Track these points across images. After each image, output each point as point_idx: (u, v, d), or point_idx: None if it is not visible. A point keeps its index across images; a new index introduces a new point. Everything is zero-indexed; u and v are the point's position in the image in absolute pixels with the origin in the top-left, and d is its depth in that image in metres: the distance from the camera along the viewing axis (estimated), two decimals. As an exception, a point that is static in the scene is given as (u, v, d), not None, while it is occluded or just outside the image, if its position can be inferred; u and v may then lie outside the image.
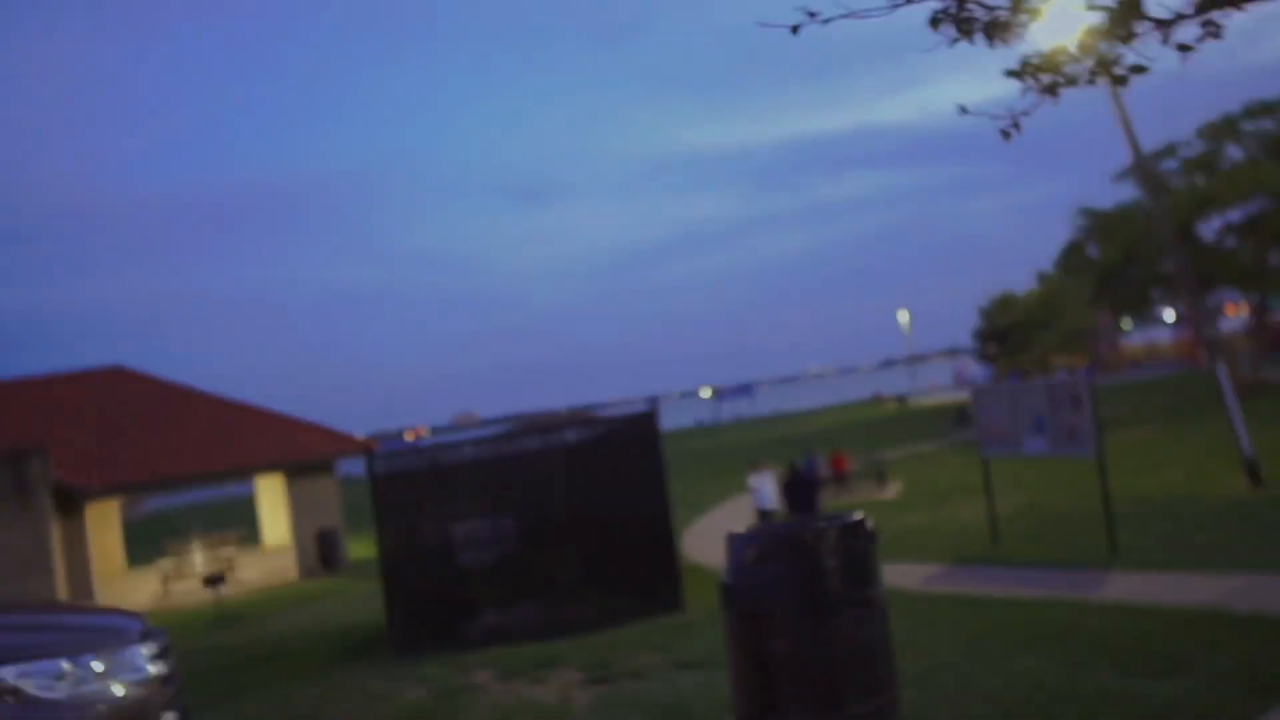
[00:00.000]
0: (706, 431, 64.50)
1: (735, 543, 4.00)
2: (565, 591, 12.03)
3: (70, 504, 20.89)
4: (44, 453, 19.57)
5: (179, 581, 22.72)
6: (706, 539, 18.24)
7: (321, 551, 22.05)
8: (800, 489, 15.81)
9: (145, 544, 29.48)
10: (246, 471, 23.34)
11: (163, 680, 3.91)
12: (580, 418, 20.66)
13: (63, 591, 19.87)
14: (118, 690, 3.68)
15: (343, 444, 23.16)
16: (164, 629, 4.52)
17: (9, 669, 3.46)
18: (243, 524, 29.73)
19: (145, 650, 3.92)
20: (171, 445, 23.14)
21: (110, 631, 3.93)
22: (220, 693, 9.48)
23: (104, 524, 28.45)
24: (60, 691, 3.51)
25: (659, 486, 11.54)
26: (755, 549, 3.81)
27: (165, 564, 23.69)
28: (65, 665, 3.58)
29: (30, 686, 3.46)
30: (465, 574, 11.93)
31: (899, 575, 11.70)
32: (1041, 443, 11.23)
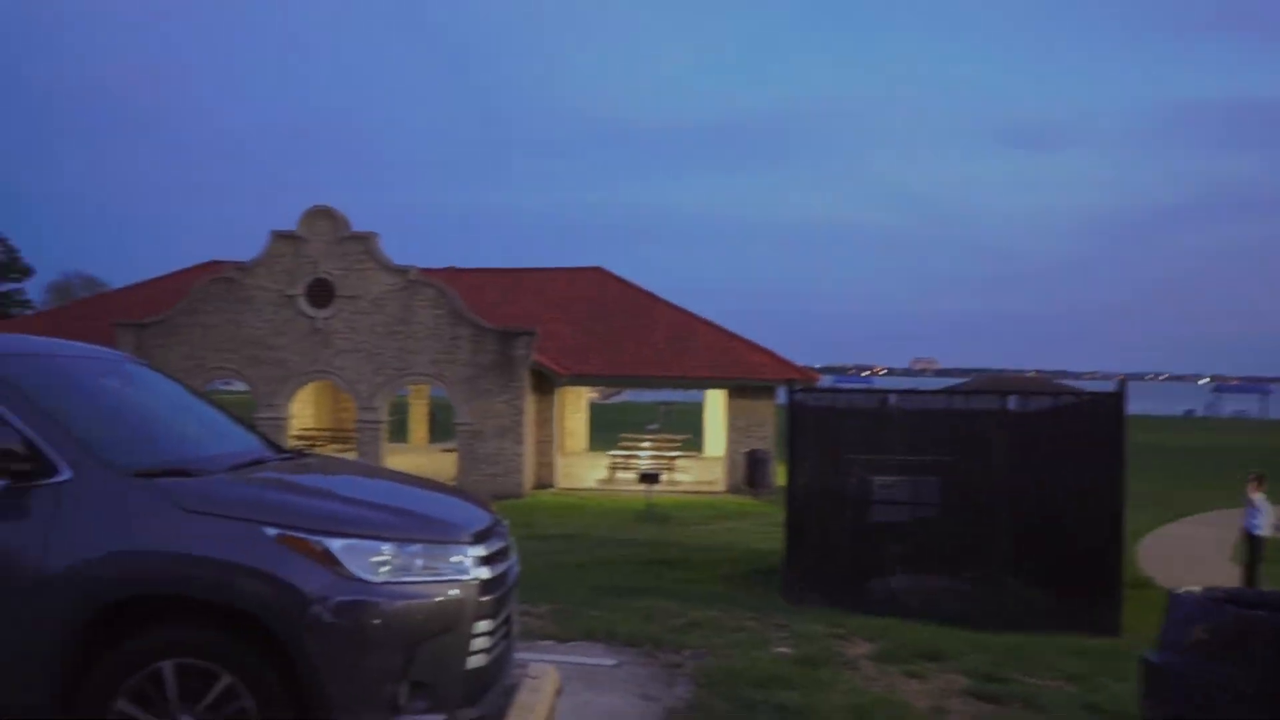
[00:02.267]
0: (1196, 425, 55.61)
1: (1177, 607, 2.75)
2: (980, 573, 10.77)
3: (545, 384, 23.41)
4: (530, 336, 22.02)
5: (625, 471, 24.58)
6: (1168, 552, 15.43)
7: (750, 471, 22.47)
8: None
9: (609, 430, 32.50)
10: (695, 382, 24.41)
11: (484, 585, 3.69)
12: (1043, 385, 18.48)
13: (529, 459, 22.47)
14: (432, 588, 3.52)
15: (787, 370, 23.20)
16: (505, 529, 4.35)
17: (336, 540, 3.41)
18: (690, 430, 31.53)
19: (474, 552, 3.72)
20: (635, 346, 24.89)
21: (448, 525, 3.80)
22: (603, 586, 9.84)
23: (575, 406, 31.84)
24: (377, 576, 3.41)
25: (1114, 480, 9.71)
26: (1206, 628, 2.54)
27: (616, 453, 25.80)
28: (386, 550, 3.48)
29: (350, 562, 3.38)
30: (874, 530, 11.16)
31: None
32: None
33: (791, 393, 11.00)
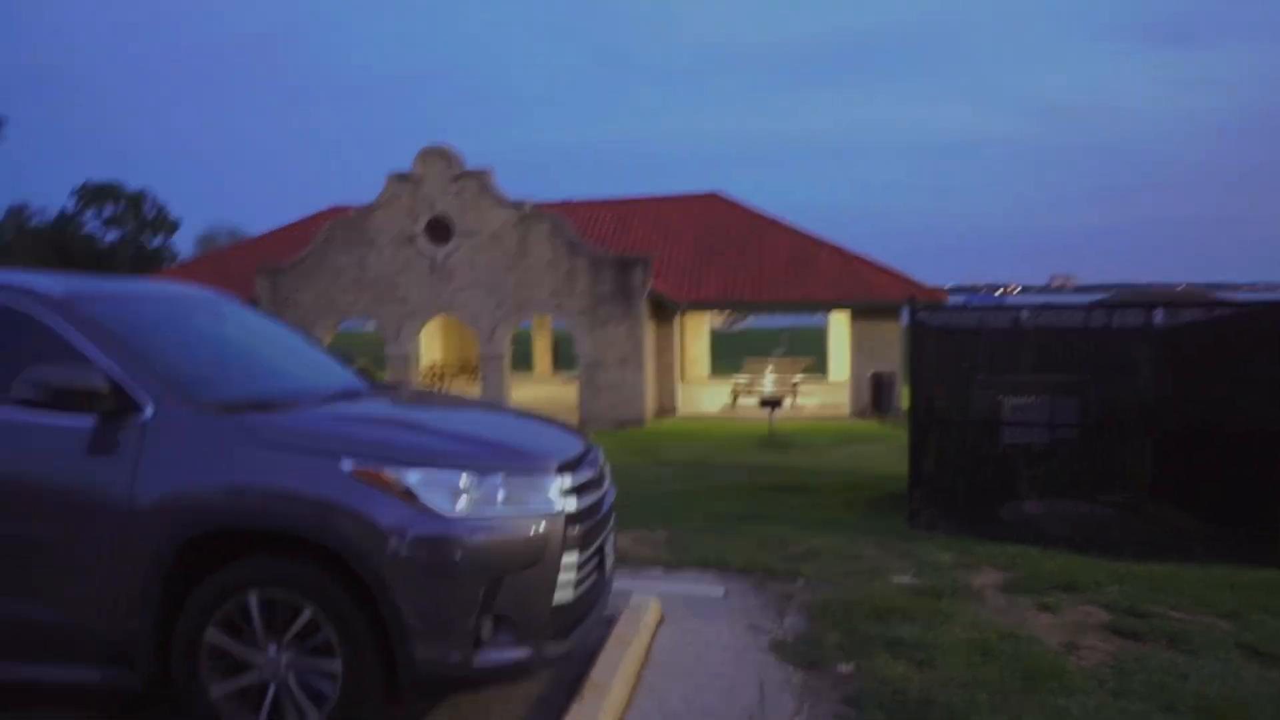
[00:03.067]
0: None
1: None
2: (1123, 498, 10.10)
3: (664, 312, 23.23)
4: (646, 264, 21.80)
5: (747, 396, 24.31)
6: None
7: (875, 394, 21.85)
8: None
9: (733, 358, 32.23)
10: (816, 305, 23.76)
11: (571, 518, 3.53)
12: (1194, 298, 17.18)
13: (650, 387, 22.43)
14: (515, 521, 3.38)
15: (912, 290, 22.31)
16: (598, 457, 4.17)
17: (414, 472, 3.29)
18: (814, 354, 30.94)
19: (560, 483, 3.56)
20: (754, 271, 24.37)
21: (532, 455, 3.64)
22: (721, 513, 9.68)
23: (696, 334, 31.62)
24: (455, 508, 3.29)
25: (1275, 397, 8.83)
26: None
27: (738, 379, 25.53)
28: (464, 481, 3.34)
29: (427, 495, 3.27)
30: (1006, 454, 10.58)
31: None
32: None
33: (913, 311, 10.43)
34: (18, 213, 41.60)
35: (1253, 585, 6.30)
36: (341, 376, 4.73)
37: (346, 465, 3.29)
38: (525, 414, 4.70)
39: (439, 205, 22.82)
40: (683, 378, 29.28)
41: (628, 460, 16.08)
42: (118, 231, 49.67)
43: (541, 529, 3.43)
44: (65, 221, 47.72)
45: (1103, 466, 10.34)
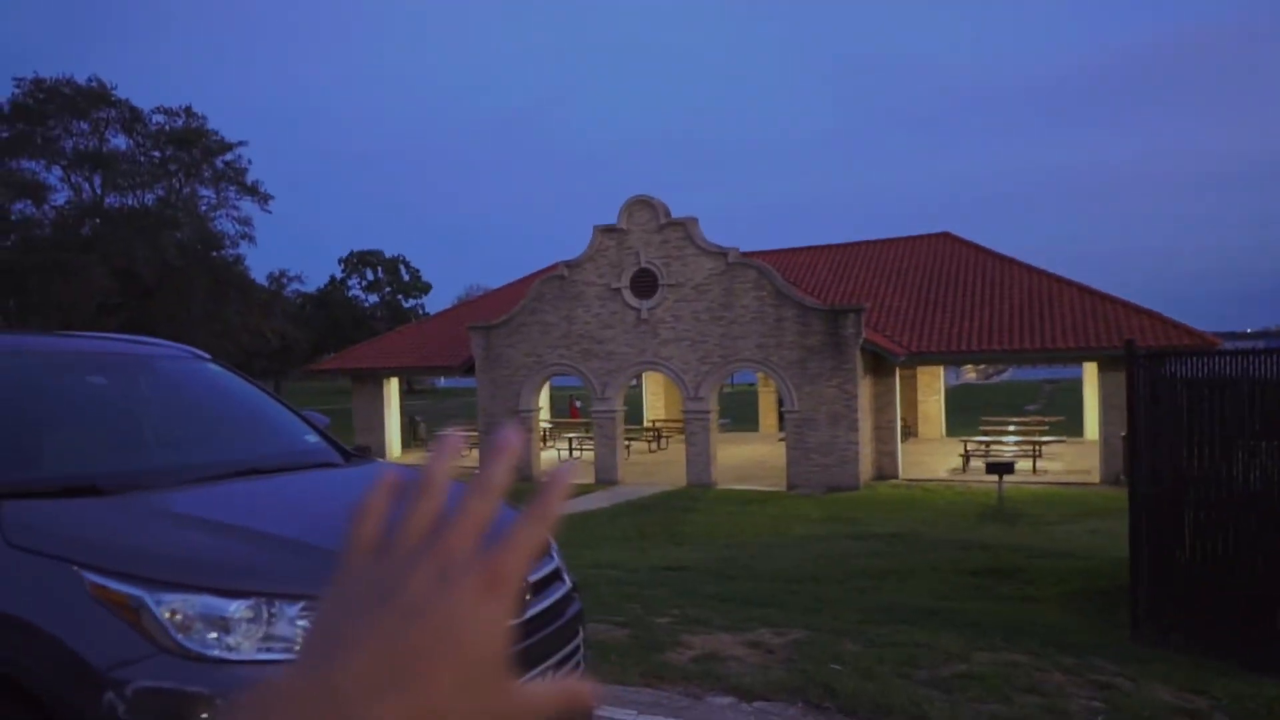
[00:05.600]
0: None
1: None
2: None
3: (882, 365, 21.31)
4: (858, 312, 20.09)
5: (983, 458, 21.75)
6: None
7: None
8: None
9: (981, 412, 29.34)
10: (1055, 354, 20.90)
11: None
12: None
13: (866, 447, 20.51)
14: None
15: (1176, 334, 19.08)
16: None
17: (164, 594, 2.27)
18: (1070, 411, 27.54)
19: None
20: (985, 317, 21.92)
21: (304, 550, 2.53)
22: (894, 605, 7.82)
23: (930, 387, 29.12)
24: (216, 646, 2.23)
25: None
26: None
27: (975, 438, 22.97)
28: (236, 609, 2.28)
29: (177, 626, 2.23)
30: (1262, 540, 8.14)
31: None
32: None
33: (1133, 358, 8.33)
34: (276, 279, 46.08)
35: None
36: (287, 444, 3.83)
37: (90, 578, 2.32)
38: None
39: (644, 257, 22.32)
40: (913, 436, 26.90)
41: (822, 532, 14.44)
42: (377, 295, 53.95)
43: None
44: (334, 286, 52.47)
45: None
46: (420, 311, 54.45)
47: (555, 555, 3.26)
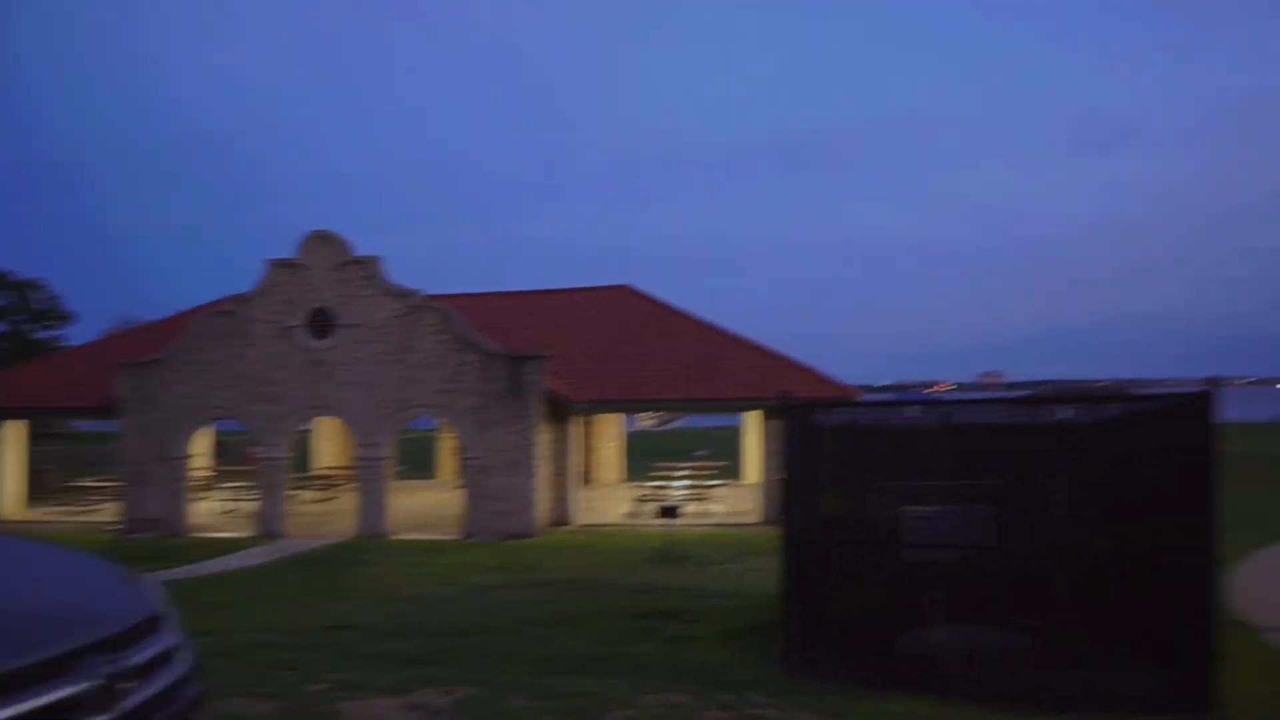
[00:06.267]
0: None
1: None
2: (1044, 622, 8.56)
3: (561, 412, 21.60)
4: (539, 360, 20.27)
5: (655, 503, 22.61)
6: (1268, 584, 12.85)
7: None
8: None
9: (656, 458, 30.49)
10: (723, 404, 22.37)
11: None
12: (1115, 392, 16.21)
13: (542, 494, 20.62)
14: None
15: (826, 388, 21.08)
16: (167, 632, 2.52)
17: None
18: (732, 455, 29.46)
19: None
20: (659, 367, 22.98)
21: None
22: (562, 654, 7.71)
23: (607, 435, 30.00)
24: None
25: (1201, 500, 7.45)
26: None
27: (647, 484, 23.87)
28: None
29: None
30: (907, 572, 9.01)
31: None
32: None
33: (787, 409, 9.01)
34: None
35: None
36: None
37: None
38: (57, 554, 3.02)
39: (323, 295, 21.16)
40: (590, 482, 27.47)
41: (497, 580, 14.22)
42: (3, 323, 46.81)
43: None
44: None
45: (1020, 585, 8.84)
46: (59, 343, 47.96)
47: (171, 630, 2.79)
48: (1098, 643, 8.14)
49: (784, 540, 8.57)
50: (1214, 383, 8.17)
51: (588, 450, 28.13)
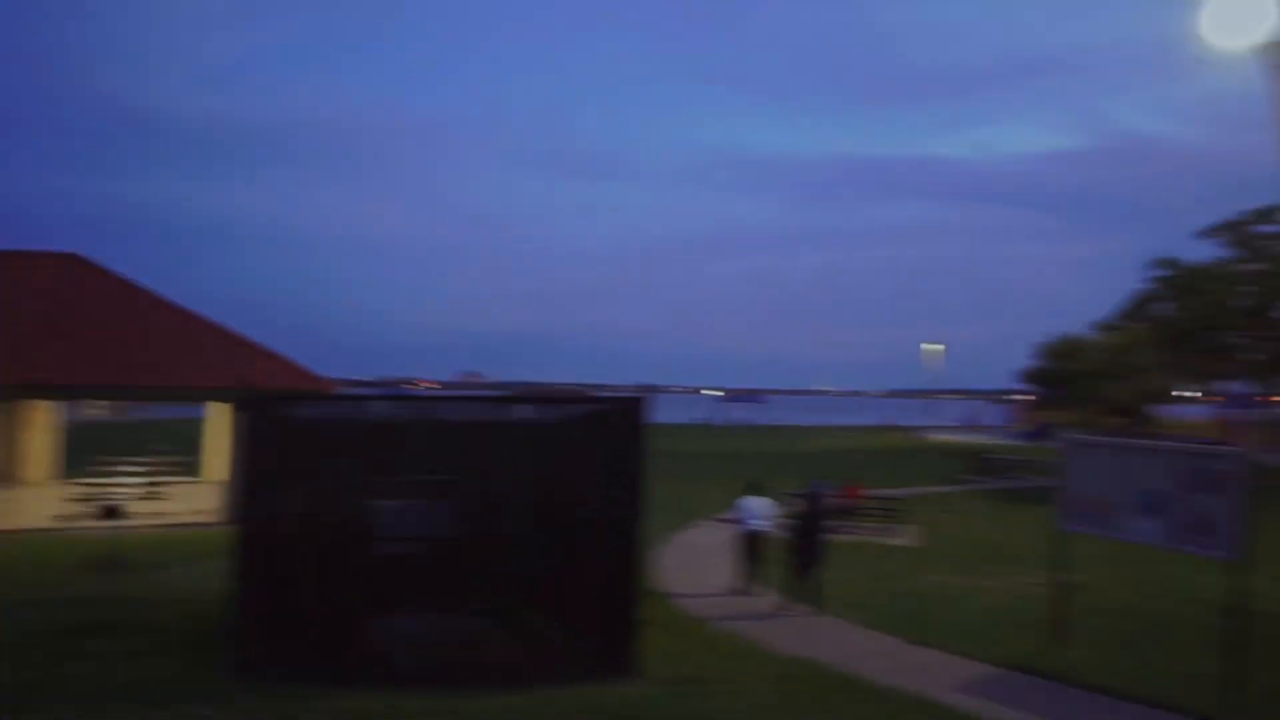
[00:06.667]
0: (710, 432, 61.35)
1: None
2: (497, 605, 9.24)
3: (-19, 397, 18.21)
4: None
5: (92, 503, 20.05)
6: (687, 559, 15.37)
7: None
8: (807, 520, 12.93)
9: (104, 452, 26.85)
10: (188, 394, 20.64)
11: None
12: (569, 394, 18.08)
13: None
14: None
15: (302, 379, 20.44)
16: None
17: None
18: (197, 449, 27.15)
19: None
20: (115, 350, 20.45)
21: None
22: None
23: (37, 424, 25.90)
24: None
25: (632, 489, 8.69)
26: None
27: (87, 481, 21.09)
28: None
29: None
30: (357, 569, 9.07)
31: (929, 672, 8.88)
32: (1157, 529, 8.34)
33: (248, 400, 8.70)
34: None
35: (614, 708, 5.55)
36: None
37: None
38: None
39: None
40: (23, 480, 23.60)
41: None
42: None
43: None
44: None
45: (479, 574, 9.46)
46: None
47: None
48: (545, 622, 9.03)
49: (240, 539, 8.21)
50: (648, 389, 9.55)
51: (9, 442, 24.00)
